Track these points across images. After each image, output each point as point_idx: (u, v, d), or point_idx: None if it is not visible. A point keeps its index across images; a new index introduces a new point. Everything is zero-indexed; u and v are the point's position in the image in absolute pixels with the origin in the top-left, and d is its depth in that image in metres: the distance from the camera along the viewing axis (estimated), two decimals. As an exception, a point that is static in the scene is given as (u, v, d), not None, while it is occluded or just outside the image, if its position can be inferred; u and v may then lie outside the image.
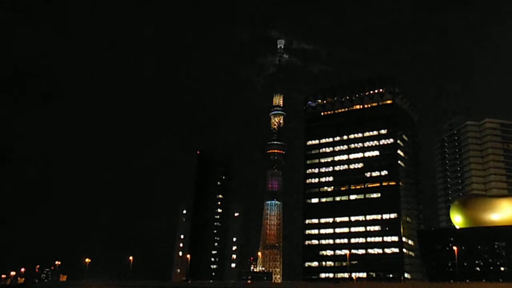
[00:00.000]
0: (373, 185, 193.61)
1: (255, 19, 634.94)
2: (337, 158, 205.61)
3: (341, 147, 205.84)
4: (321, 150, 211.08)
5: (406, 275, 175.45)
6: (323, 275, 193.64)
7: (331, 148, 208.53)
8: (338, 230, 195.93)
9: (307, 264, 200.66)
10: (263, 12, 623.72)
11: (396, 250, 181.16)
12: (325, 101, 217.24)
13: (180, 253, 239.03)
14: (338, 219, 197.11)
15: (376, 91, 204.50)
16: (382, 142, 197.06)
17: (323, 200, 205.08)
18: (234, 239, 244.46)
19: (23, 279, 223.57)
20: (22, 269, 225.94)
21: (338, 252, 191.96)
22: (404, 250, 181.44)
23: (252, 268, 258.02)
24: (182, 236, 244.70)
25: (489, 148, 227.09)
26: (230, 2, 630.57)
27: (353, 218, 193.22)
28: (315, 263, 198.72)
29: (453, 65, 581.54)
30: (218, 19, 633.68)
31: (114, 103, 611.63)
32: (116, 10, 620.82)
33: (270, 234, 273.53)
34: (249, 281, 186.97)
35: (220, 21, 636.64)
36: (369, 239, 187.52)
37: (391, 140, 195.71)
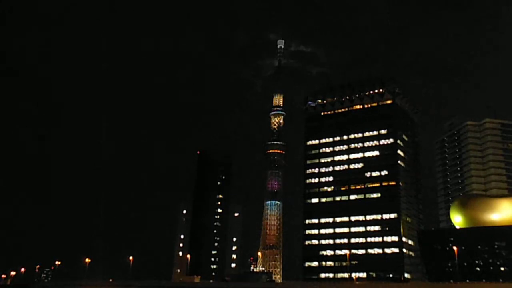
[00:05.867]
0: (373, 185, 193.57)
1: (254, 23, 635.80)
2: (337, 158, 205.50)
3: (341, 147, 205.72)
4: (321, 150, 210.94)
5: (406, 275, 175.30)
6: (323, 275, 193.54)
7: (331, 148, 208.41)
8: (338, 230, 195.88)
9: (307, 264, 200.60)
10: (261, 15, 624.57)
11: (396, 250, 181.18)
12: (325, 101, 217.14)
13: (180, 253, 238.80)
14: (338, 219, 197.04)
15: (376, 91, 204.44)
16: (382, 142, 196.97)
17: (323, 200, 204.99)
18: (234, 239, 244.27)
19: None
20: (22, 269, 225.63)
21: (338, 252, 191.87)
22: (404, 250, 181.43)
23: (252, 268, 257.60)
24: (182, 236, 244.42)
25: (489, 148, 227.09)
26: (229, 6, 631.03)
27: (353, 218, 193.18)
28: (315, 263, 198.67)
29: (453, 65, 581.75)
30: (217, 22, 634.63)
31: (114, 103, 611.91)
32: (115, 12, 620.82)
33: (270, 234, 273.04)
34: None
35: (220, 24, 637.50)
36: (369, 239, 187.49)
37: (391, 140, 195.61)
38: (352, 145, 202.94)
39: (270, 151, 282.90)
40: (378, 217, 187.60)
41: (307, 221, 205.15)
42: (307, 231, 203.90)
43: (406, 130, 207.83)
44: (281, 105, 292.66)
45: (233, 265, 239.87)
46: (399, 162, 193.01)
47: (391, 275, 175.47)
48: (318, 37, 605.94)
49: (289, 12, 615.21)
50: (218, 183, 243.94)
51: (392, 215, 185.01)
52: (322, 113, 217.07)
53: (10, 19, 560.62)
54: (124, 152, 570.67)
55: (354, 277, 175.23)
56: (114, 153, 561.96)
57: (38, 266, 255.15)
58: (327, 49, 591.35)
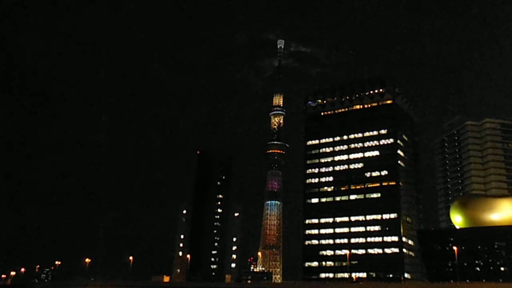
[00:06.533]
0: (373, 185, 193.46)
1: (254, 23, 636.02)
2: (337, 158, 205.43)
3: (341, 147, 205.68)
4: (321, 150, 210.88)
5: (406, 275, 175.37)
6: (323, 275, 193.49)
7: (331, 148, 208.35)
8: (338, 230, 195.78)
9: (307, 264, 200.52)
10: (261, 15, 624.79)
11: (396, 250, 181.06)
12: (325, 101, 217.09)
13: (180, 253, 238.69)
14: (338, 219, 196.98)
15: (376, 91, 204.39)
16: (382, 142, 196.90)
17: (323, 200, 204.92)
18: (234, 239, 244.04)
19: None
20: (22, 269, 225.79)
21: (338, 252, 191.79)
22: (404, 250, 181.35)
23: (252, 268, 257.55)
24: (182, 236, 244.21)
25: (489, 148, 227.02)
26: (229, 6, 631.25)
27: (353, 218, 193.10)
28: (315, 263, 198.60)
29: (453, 65, 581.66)
30: (217, 23, 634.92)
31: (114, 103, 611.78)
32: (115, 12, 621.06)
33: (270, 234, 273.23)
34: (249, 281, 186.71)
35: (220, 25, 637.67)
36: (369, 239, 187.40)
37: (391, 140, 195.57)
38: (352, 145, 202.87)
39: (270, 151, 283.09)
40: (378, 217, 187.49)
41: (307, 221, 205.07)
42: (307, 231, 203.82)
43: (406, 130, 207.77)
44: (281, 105, 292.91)
45: (233, 265, 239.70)
46: (399, 162, 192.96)
47: (391, 275, 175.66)
48: (318, 37, 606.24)
49: (289, 12, 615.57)
50: (218, 183, 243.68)
51: (392, 215, 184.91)
52: (322, 113, 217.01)
53: (10, 19, 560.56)
54: (124, 152, 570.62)
55: (354, 277, 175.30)
56: (114, 153, 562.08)
57: (38, 266, 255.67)
58: (327, 49, 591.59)
